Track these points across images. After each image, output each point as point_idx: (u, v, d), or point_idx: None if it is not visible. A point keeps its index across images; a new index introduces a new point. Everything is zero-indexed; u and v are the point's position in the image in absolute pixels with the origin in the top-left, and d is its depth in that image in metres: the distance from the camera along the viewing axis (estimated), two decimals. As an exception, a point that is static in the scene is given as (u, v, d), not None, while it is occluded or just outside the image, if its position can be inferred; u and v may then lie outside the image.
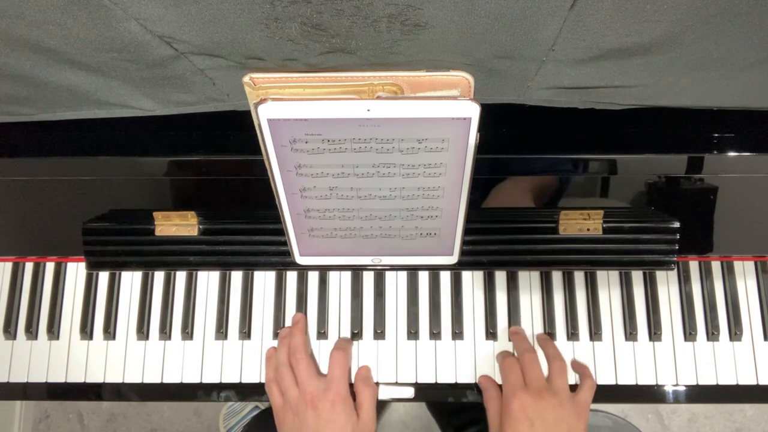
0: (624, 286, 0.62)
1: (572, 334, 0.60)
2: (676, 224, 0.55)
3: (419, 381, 0.60)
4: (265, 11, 0.28)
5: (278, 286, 0.63)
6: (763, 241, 0.57)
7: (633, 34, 0.31)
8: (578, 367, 0.59)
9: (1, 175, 0.56)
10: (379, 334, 0.61)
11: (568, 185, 0.55)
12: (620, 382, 0.60)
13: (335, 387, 0.55)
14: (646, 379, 0.60)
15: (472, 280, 0.62)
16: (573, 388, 0.57)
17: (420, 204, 0.46)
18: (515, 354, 0.60)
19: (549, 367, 0.56)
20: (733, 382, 0.59)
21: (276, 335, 0.61)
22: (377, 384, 0.60)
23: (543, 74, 0.37)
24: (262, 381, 0.60)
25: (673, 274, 0.62)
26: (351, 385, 0.58)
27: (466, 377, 0.60)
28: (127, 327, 0.62)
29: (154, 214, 0.57)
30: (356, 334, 0.61)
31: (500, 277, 0.62)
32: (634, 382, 0.60)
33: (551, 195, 0.56)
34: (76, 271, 0.64)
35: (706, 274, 0.62)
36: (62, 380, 0.61)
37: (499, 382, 0.58)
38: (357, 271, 0.63)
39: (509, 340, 0.61)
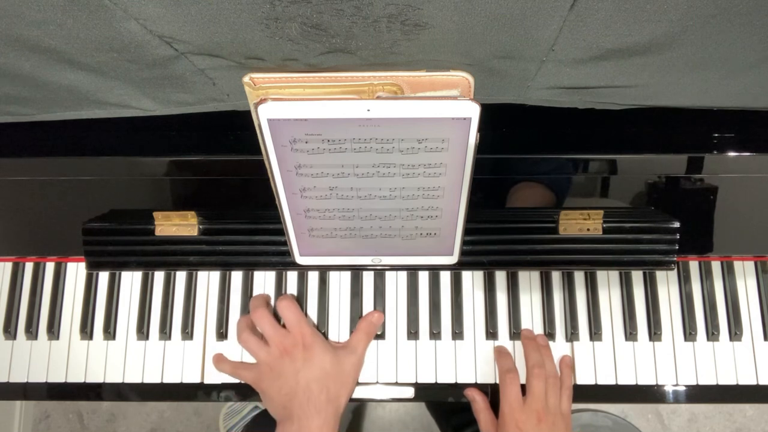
0: (624, 286, 0.62)
1: (572, 334, 0.60)
2: (676, 224, 0.55)
3: (419, 381, 0.60)
4: (265, 11, 0.28)
5: (278, 286, 0.63)
6: (763, 241, 0.57)
7: (633, 34, 0.31)
8: (562, 370, 0.59)
9: (1, 175, 0.56)
10: (379, 334, 0.61)
11: (569, 185, 0.55)
12: (620, 382, 0.60)
13: (297, 328, 0.56)
14: (646, 379, 0.60)
15: (472, 280, 0.62)
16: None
17: (420, 204, 0.46)
18: (504, 349, 0.60)
19: (545, 384, 0.56)
20: (733, 382, 0.59)
21: (276, 335, 0.61)
22: (377, 384, 0.60)
23: (543, 74, 0.38)
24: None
25: (673, 274, 0.62)
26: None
27: (466, 377, 0.60)
28: (127, 327, 0.62)
29: (154, 214, 0.57)
30: (356, 334, 0.61)
31: (500, 277, 0.62)
32: (634, 382, 0.60)
33: (557, 196, 0.56)
34: (76, 271, 0.64)
35: (706, 274, 0.62)
36: (62, 380, 0.61)
37: (496, 381, 0.58)
38: (357, 271, 0.63)
39: (509, 338, 0.61)
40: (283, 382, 0.54)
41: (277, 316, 0.59)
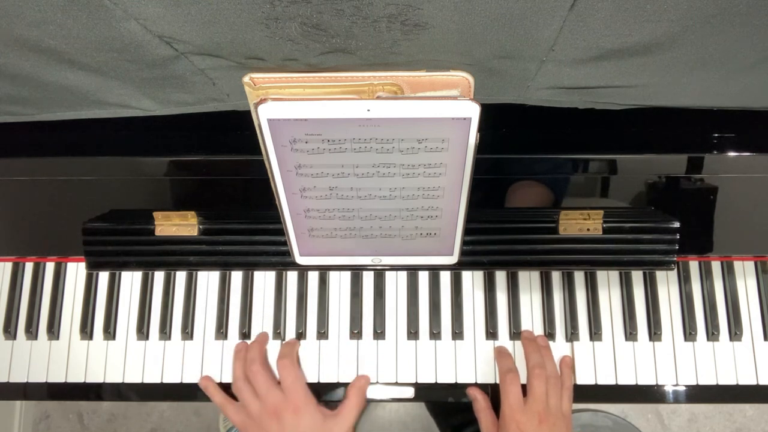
0: (624, 286, 0.62)
1: (572, 334, 0.60)
2: (676, 224, 0.55)
3: (419, 381, 0.60)
4: (265, 11, 0.28)
5: (278, 286, 0.63)
6: (763, 241, 0.57)
7: (633, 34, 0.31)
8: (563, 370, 0.59)
9: (1, 175, 0.56)
10: (379, 334, 0.61)
11: (568, 185, 0.55)
12: (620, 382, 0.60)
13: (292, 394, 0.55)
14: (646, 379, 0.60)
15: (472, 280, 0.62)
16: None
17: (420, 204, 0.46)
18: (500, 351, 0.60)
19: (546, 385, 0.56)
20: (733, 382, 0.59)
21: (276, 335, 0.61)
22: (376, 383, 0.60)
23: (543, 74, 0.37)
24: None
25: (673, 274, 0.62)
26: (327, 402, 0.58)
27: (466, 377, 0.60)
28: (127, 327, 0.62)
29: (154, 214, 0.57)
30: (356, 334, 0.61)
31: (500, 277, 0.62)
32: (634, 382, 0.59)
33: (557, 196, 0.56)
34: (76, 271, 0.64)
35: (706, 274, 0.62)
36: (62, 380, 0.61)
37: (496, 381, 0.58)
38: (357, 271, 0.63)
39: (509, 338, 0.61)
40: None
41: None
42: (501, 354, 0.59)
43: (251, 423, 0.56)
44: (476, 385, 0.60)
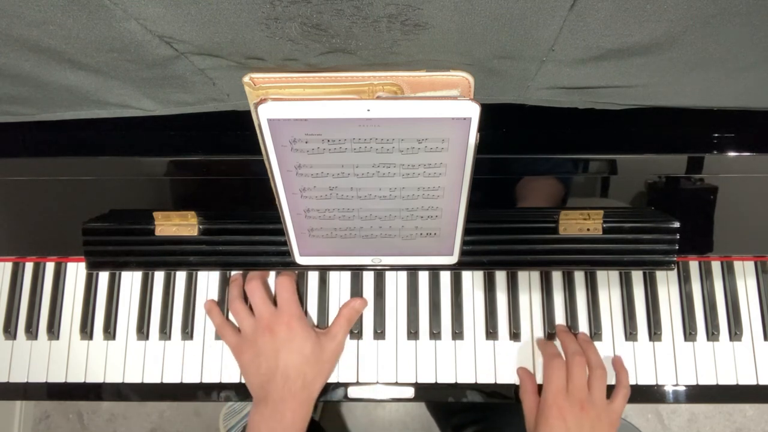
0: (624, 286, 0.62)
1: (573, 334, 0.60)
2: (676, 224, 0.55)
3: (419, 381, 0.60)
4: (265, 11, 0.28)
5: (278, 286, 0.62)
6: (763, 241, 0.57)
7: (633, 34, 0.31)
8: (617, 370, 0.59)
9: (1, 175, 0.56)
10: (379, 334, 0.61)
11: (569, 185, 0.55)
12: (620, 382, 0.60)
13: (287, 308, 0.57)
14: (646, 379, 0.60)
15: (472, 280, 0.62)
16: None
17: (420, 204, 0.46)
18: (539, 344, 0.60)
19: (590, 375, 0.56)
20: (733, 382, 0.59)
21: (276, 335, 0.61)
22: (374, 383, 0.60)
23: (543, 74, 0.37)
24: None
25: (673, 274, 0.62)
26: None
27: (466, 377, 0.60)
28: (127, 327, 0.62)
29: (154, 214, 0.57)
30: (356, 334, 0.61)
31: (500, 277, 0.62)
32: (634, 382, 0.59)
33: (557, 196, 0.55)
34: (76, 271, 0.64)
35: (706, 274, 0.62)
36: (62, 380, 0.61)
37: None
38: (357, 271, 0.63)
39: (509, 338, 0.61)
40: (262, 360, 0.55)
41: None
42: (544, 343, 0.60)
43: (245, 341, 0.57)
44: (476, 385, 0.60)
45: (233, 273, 0.62)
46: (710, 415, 1.28)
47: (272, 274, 0.62)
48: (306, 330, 0.56)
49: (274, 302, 0.59)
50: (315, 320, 0.62)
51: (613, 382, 0.58)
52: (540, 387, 0.57)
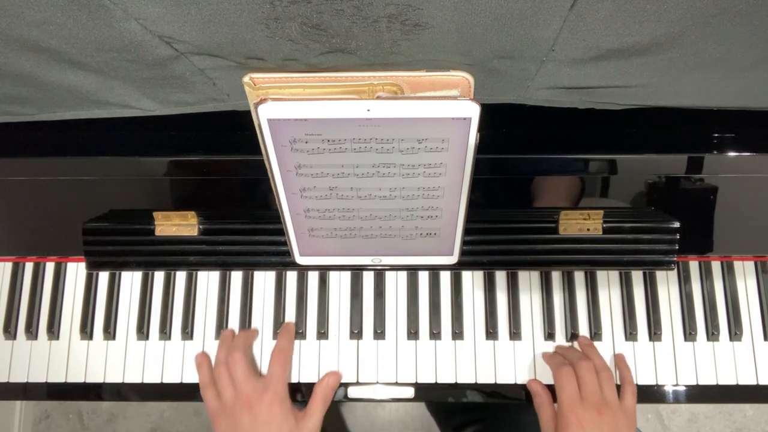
0: (624, 286, 0.62)
1: (572, 335, 0.60)
2: (676, 224, 0.55)
3: (419, 381, 0.60)
4: (265, 11, 0.28)
5: (278, 286, 0.63)
6: (763, 241, 0.57)
7: (633, 34, 0.31)
8: (621, 368, 0.59)
9: (1, 175, 0.56)
10: (379, 334, 0.61)
11: (569, 185, 0.55)
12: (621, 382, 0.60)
13: (273, 387, 0.55)
14: (646, 379, 0.60)
15: (472, 280, 0.62)
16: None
17: (420, 204, 0.46)
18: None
19: (598, 378, 0.55)
20: (733, 382, 0.59)
21: (276, 335, 0.61)
22: (375, 385, 0.60)
23: (543, 74, 0.38)
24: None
25: (673, 274, 0.62)
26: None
27: (466, 377, 0.60)
28: (127, 327, 0.62)
29: (154, 214, 0.57)
30: (356, 334, 0.61)
31: (500, 277, 0.62)
32: (634, 382, 0.59)
33: (557, 196, 0.56)
34: (76, 271, 0.64)
35: (706, 274, 0.62)
36: (62, 380, 0.61)
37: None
38: (357, 271, 0.63)
39: (509, 338, 0.61)
40: None
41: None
42: (549, 355, 0.59)
43: (222, 412, 0.55)
44: (476, 385, 0.60)
45: (223, 331, 0.60)
46: (710, 415, 1.28)
47: (261, 334, 0.61)
48: (286, 415, 0.54)
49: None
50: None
51: (617, 382, 0.58)
52: (554, 395, 0.56)
